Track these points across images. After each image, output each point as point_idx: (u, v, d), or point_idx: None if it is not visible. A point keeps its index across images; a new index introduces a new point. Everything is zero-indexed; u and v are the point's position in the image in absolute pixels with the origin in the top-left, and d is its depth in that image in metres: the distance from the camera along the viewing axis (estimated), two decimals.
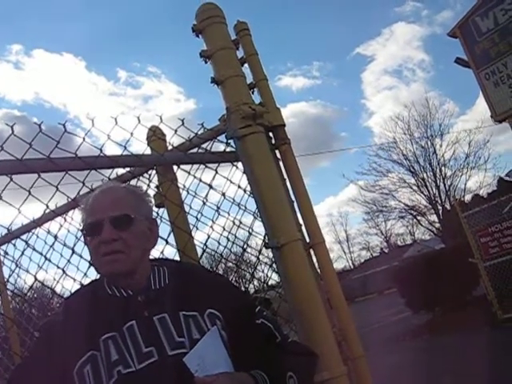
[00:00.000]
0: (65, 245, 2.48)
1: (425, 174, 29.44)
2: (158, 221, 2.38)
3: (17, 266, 2.58)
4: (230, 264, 2.98)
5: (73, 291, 2.13)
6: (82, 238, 1.75)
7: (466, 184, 29.48)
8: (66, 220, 2.62)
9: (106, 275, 1.66)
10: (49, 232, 2.61)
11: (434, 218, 30.35)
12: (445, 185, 29.20)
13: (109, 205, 1.66)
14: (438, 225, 30.27)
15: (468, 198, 27.81)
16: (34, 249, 2.60)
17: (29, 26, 75.54)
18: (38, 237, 2.69)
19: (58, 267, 2.49)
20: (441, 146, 29.32)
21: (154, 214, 2.42)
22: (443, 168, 29.33)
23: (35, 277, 2.59)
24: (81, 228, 1.74)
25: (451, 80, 60.16)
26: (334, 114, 76.12)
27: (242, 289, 2.41)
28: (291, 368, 1.65)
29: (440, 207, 29.18)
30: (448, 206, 28.25)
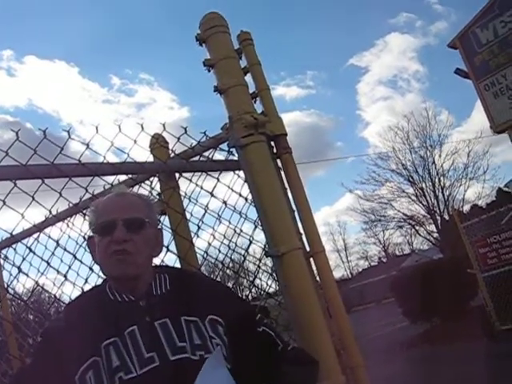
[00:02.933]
0: (65, 250, 2.49)
1: (423, 184, 29.49)
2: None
3: (19, 270, 2.58)
4: (229, 271, 2.98)
5: (73, 297, 2.15)
6: (86, 243, 1.77)
7: (464, 194, 29.54)
8: (68, 225, 2.63)
9: (114, 276, 1.68)
10: (50, 237, 2.62)
11: (432, 228, 30.39)
12: (443, 195, 29.24)
13: (123, 207, 1.70)
14: (436, 235, 30.27)
15: (467, 208, 27.88)
16: (34, 253, 2.61)
17: (20, 32, 75.45)
18: (38, 241, 2.70)
19: (59, 272, 2.50)
20: (440, 155, 29.39)
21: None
22: (442, 178, 29.39)
23: (36, 282, 2.60)
24: (89, 230, 1.76)
25: (447, 91, 60.35)
26: (328, 124, 76.06)
27: (241, 296, 2.41)
28: (295, 379, 1.66)
29: (438, 217, 29.19)
30: (446, 217, 28.25)
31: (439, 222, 29.20)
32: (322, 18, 77.00)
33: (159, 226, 1.89)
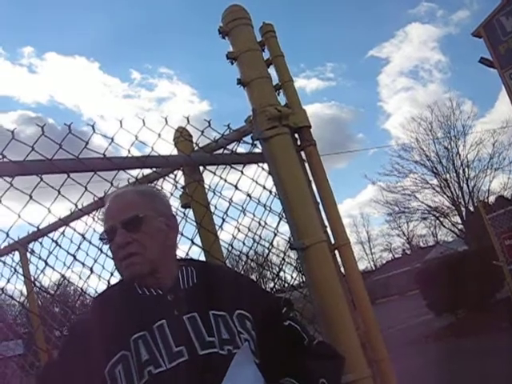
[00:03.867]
0: (91, 243, 2.51)
1: (448, 175, 29.27)
2: (184, 222, 2.41)
3: (46, 263, 2.61)
4: (253, 264, 2.98)
5: (99, 290, 2.16)
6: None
7: (489, 185, 29.25)
8: (93, 219, 2.65)
9: (128, 279, 1.68)
10: (75, 230, 2.65)
11: (457, 219, 30.14)
12: (468, 186, 28.97)
13: (119, 209, 1.70)
14: (461, 226, 30.02)
15: (492, 199, 27.58)
16: (60, 247, 2.64)
17: (39, 29, 76.55)
18: (64, 235, 2.72)
19: (84, 265, 2.52)
20: (464, 146, 29.09)
21: (181, 214, 2.45)
22: (466, 169, 29.12)
23: (63, 275, 2.63)
24: (100, 237, 1.78)
25: (469, 81, 59.69)
26: (349, 116, 75.54)
27: (267, 289, 2.41)
28: (322, 374, 1.65)
29: (463, 209, 28.94)
30: (471, 208, 28.01)
31: (464, 213, 28.94)
32: (341, 10, 76.87)
33: (171, 213, 1.87)
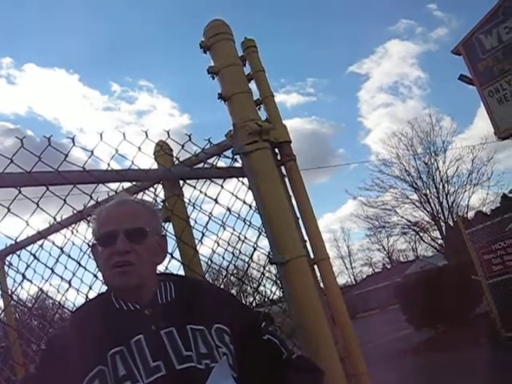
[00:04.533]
0: (69, 257, 2.49)
1: (428, 190, 29.50)
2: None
3: (23, 277, 2.59)
4: (233, 278, 2.98)
5: (78, 304, 2.14)
6: (90, 250, 1.76)
7: (469, 201, 29.53)
8: (72, 232, 2.64)
9: (116, 287, 1.66)
10: (54, 244, 2.63)
11: (436, 234, 30.40)
12: (448, 201, 29.22)
13: (124, 217, 1.67)
14: (440, 241, 30.25)
15: (471, 214, 27.81)
16: (39, 260, 2.62)
17: (18, 40, 75.78)
18: (42, 248, 2.70)
19: (63, 279, 2.50)
20: (444, 162, 29.38)
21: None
22: (446, 184, 29.37)
23: (40, 289, 2.60)
24: (92, 237, 1.75)
25: (449, 97, 60.43)
26: (330, 131, 75.71)
27: (246, 303, 2.41)
28: None
29: (443, 224, 29.17)
30: (451, 223, 28.23)
31: (444, 228, 29.17)
32: (321, 26, 77.55)
33: (163, 233, 1.88)
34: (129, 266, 1.62)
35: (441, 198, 29.23)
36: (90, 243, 1.81)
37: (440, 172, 29.36)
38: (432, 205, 29.39)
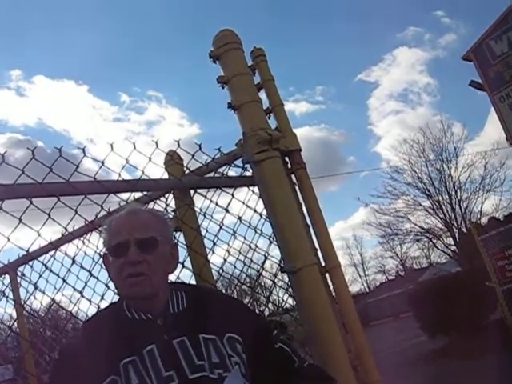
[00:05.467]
0: (81, 267, 2.50)
1: (440, 197, 29.32)
2: None
3: (36, 287, 2.60)
4: (245, 287, 2.98)
5: (90, 314, 2.14)
6: (101, 260, 1.76)
7: (482, 207, 29.34)
8: (83, 242, 2.65)
9: (128, 298, 1.67)
10: (66, 254, 2.64)
11: (450, 240, 30.18)
12: (461, 207, 29.03)
13: (135, 227, 1.67)
14: (454, 248, 30.03)
15: (484, 220, 27.62)
16: (51, 270, 2.63)
17: (27, 52, 76.66)
18: (54, 259, 2.71)
19: (75, 289, 2.52)
20: (456, 168, 29.24)
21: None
22: (459, 190, 29.20)
23: (53, 299, 2.62)
24: (103, 248, 1.75)
25: (458, 104, 60.25)
26: (340, 139, 75.71)
27: (257, 312, 2.40)
28: None
29: (456, 230, 28.97)
30: (464, 229, 28.04)
31: (457, 234, 28.98)
32: (328, 34, 77.59)
33: (174, 242, 1.88)
34: (141, 276, 1.62)
35: (453, 204, 29.08)
36: (102, 253, 1.81)
37: (452, 178, 29.24)
38: (445, 211, 29.24)
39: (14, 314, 3.15)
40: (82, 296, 2.40)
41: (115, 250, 1.66)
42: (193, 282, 2.37)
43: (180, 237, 2.49)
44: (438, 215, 29.52)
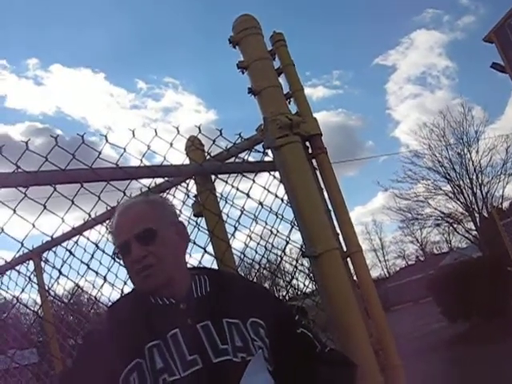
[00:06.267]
0: (104, 252, 2.52)
1: (461, 181, 29.12)
2: (196, 230, 2.42)
3: (60, 272, 2.64)
4: (265, 272, 2.99)
5: (112, 299, 2.17)
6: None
7: (503, 191, 29.11)
8: (106, 228, 2.67)
9: (146, 291, 1.68)
10: (89, 240, 2.67)
11: (470, 225, 29.98)
12: (482, 192, 28.80)
13: (130, 223, 1.70)
14: (475, 232, 29.84)
15: (506, 205, 27.42)
16: (74, 256, 2.66)
17: (44, 41, 77.00)
18: (78, 244, 2.75)
19: (98, 274, 2.54)
20: (477, 152, 28.96)
21: (193, 223, 2.46)
22: (480, 175, 28.96)
23: (76, 284, 2.65)
24: (113, 251, 1.79)
25: (478, 87, 59.31)
26: (357, 123, 74.61)
27: (278, 297, 2.41)
28: (334, 381, 1.66)
29: (477, 215, 28.76)
30: (485, 214, 27.83)
31: (478, 219, 28.76)
32: (345, 18, 76.78)
33: (178, 220, 1.89)
34: (149, 268, 1.65)
35: (474, 188, 28.86)
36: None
37: (473, 162, 29.00)
38: (465, 196, 29.03)
39: (38, 300, 3.19)
40: (106, 281, 2.43)
41: (120, 251, 1.71)
42: (215, 266, 2.39)
43: (202, 222, 2.50)
44: (458, 200, 29.34)
